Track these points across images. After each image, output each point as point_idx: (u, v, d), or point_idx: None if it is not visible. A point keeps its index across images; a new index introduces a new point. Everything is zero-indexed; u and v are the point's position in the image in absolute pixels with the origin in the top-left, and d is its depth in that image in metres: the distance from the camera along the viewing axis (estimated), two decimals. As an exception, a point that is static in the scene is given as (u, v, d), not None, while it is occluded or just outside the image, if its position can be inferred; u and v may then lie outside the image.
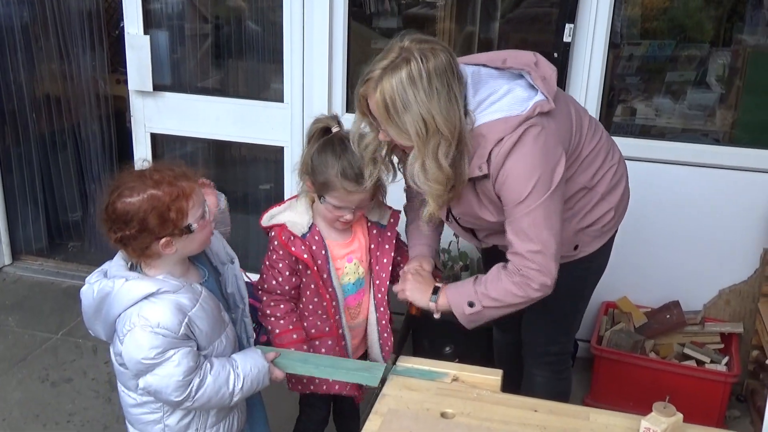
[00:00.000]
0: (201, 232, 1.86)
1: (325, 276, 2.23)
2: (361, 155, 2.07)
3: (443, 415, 1.82)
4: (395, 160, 2.15)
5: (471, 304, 2.06)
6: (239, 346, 2.08)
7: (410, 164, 1.94)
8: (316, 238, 2.21)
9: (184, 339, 1.81)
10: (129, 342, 1.79)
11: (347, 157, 2.10)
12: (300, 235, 2.19)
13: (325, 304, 2.25)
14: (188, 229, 1.82)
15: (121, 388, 1.98)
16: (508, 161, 1.91)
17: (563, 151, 1.98)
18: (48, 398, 3.23)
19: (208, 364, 1.88)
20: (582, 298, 2.43)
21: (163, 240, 1.79)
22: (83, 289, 1.88)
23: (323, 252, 2.22)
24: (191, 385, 1.83)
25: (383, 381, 1.99)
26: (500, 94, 1.97)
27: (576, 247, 2.22)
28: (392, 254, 2.30)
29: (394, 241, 2.32)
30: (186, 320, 1.81)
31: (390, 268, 2.30)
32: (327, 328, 2.29)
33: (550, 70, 2.04)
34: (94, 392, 3.27)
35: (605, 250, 2.32)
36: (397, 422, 1.78)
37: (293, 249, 2.18)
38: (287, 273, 2.23)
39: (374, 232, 2.31)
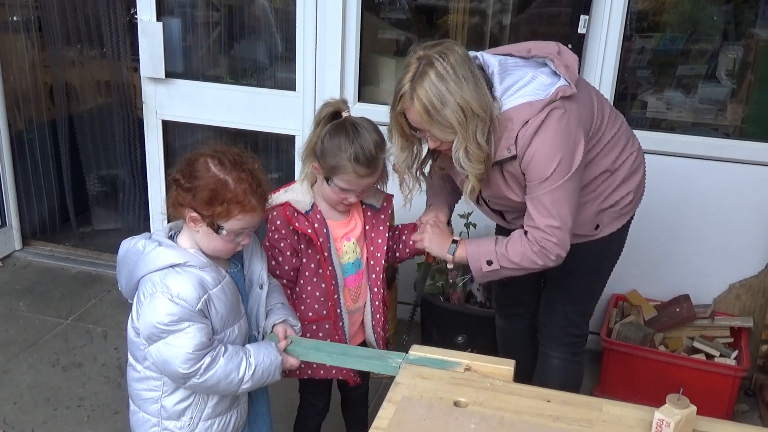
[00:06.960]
0: (223, 242, 1.90)
1: (326, 254, 2.26)
2: (399, 169, 2.26)
3: (456, 404, 1.81)
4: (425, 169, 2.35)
5: (489, 262, 2.22)
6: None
7: (455, 153, 2.09)
8: (318, 216, 2.25)
9: (200, 315, 1.85)
10: (148, 306, 1.84)
11: (360, 142, 2.16)
12: (303, 212, 2.23)
13: (324, 284, 2.28)
14: (216, 228, 1.86)
15: (129, 359, 2.01)
16: (533, 141, 2.07)
17: (584, 134, 2.13)
18: (58, 383, 3.25)
19: (223, 348, 1.91)
20: (600, 278, 2.53)
21: (195, 214, 1.84)
22: (125, 240, 1.95)
23: (325, 230, 2.26)
24: (202, 361, 1.85)
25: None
26: (525, 81, 2.13)
27: (597, 227, 2.35)
28: (386, 235, 2.36)
29: (387, 223, 2.38)
30: (205, 297, 1.85)
31: (385, 248, 2.36)
32: (325, 311, 2.31)
33: (572, 59, 2.20)
34: (105, 377, 3.29)
35: (622, 233, 2.44)
36: (411, 410, 1.78)
37: (297, 225, 2.21)
38: (288, 253, 2.27)
39: (368, 214, 2.36)
